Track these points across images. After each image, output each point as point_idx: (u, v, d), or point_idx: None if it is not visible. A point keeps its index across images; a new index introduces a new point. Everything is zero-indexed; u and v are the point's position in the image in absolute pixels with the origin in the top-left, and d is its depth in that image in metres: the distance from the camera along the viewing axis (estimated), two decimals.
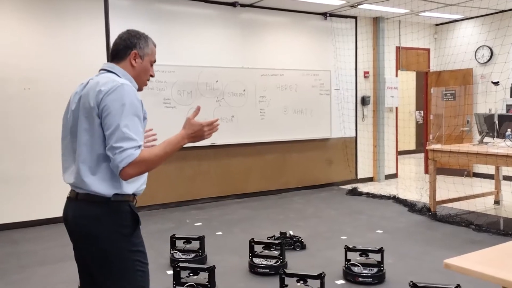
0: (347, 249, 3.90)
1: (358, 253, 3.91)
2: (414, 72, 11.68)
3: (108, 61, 2.05)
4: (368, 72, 8.40)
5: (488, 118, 6.03)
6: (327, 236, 5.09)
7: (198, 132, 1.98)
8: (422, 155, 10.55)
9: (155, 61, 2.09)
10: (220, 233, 5.29)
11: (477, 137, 7.90)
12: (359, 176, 8.40)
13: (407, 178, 8.95)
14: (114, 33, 6.10)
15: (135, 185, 1.95)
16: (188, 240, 4.30)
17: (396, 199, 6.79)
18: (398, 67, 8.84)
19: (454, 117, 8.59)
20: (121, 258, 1.86)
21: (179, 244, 4.31)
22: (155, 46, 2.09)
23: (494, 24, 8.13)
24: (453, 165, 7.81)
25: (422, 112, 13.04)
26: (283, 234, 4.74)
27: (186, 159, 6.73)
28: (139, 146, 1.80)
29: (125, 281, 1.87)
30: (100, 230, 1.83)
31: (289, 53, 7.58)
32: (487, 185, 6.86)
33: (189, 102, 6.66)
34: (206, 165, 6.93)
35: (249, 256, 4.06)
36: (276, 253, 4.10)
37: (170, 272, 3.86)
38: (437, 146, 5.72)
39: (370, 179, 8.53)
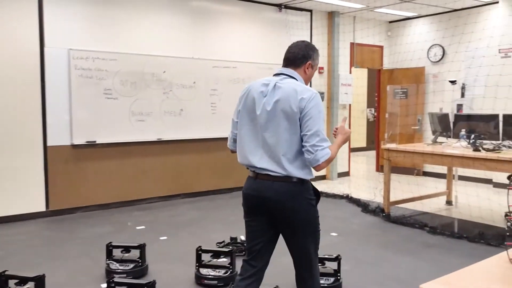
0: None
1: None
2: (366, 69, 11.68)
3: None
4: (322, 68, 8.19)
5: (441, 118, 5.96)
6: (280, 239, 4.78)
7: (349, 136, 2.42)
8: (373, 152, 10.55)
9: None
10: (165, 237, 4.86)
11: (428, 136, 7.93)
12: (313, 174, 8.18)
13: (359, 176, 8.86)
14: (48, 16, 5.49)
15: (311, 174, 2.38)
16: (126, 249, 3.85)
17: (349, 199, 6.62)
18: (352, 63, 8.70)
19: (406, 116, 8.58)
20: (312, 223, 2.40)
21: (117, 252, 3.85)
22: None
23: (446, 23, 8.15)
24: (402, 163, 7.78)
25: (373, 110, 13.14)
26: (233, 239, 4.39)
27: (128, 155, 6.21)
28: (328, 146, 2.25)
29: (313, 238, 2.41)
30: (298, 202, 2.33)
31: (242, 45, 7.22)
32: (438, 185, 6.84)
33: (133, 93, 6.14)
34: (151, 162, 6.44)
35: (196, 266, 3.67)
36: (226, 260, 3.75)
37: (105, 286, 3.41)
38: (392, 146, 5.56)
39: (323, 177, 8.35)
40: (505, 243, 1.86)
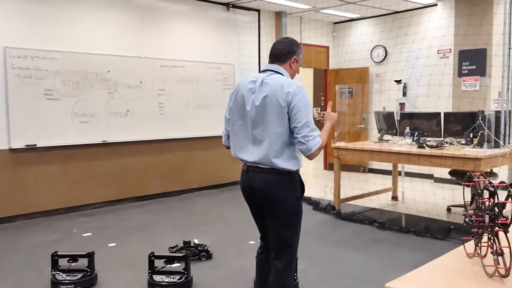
0: None
1: None
2: (312, 69, 11.86)
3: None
4: None
5: (387, 116, 6.15)
6: (235, 241, 4.74)
7: (335, 120, 2.57)
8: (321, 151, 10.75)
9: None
10: (114, 244, 4.65)
11: (374, 134, 8.17)
12: (300, 165, 8.17)
13: (308, 174, 8.98)
14: None
15: (298, 165, 2.51)
16: (73, 258, 3.63)
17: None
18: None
19: (352, 115, 8.79)
20: (296, 214, 2.56)
21: (63, 262, 3.63)
22: None
23: (388, 25, 8.44)
24: (351, 161, 7.96)
25: (319, 109, 13.39)
26: (187, 243, 4.28)
27: (72, 159, 5.91)
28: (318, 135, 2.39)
29: (294, 228, 2.57)
30: (283, 193, 2.48)
31: (190, 44, 7.09)
32: (383, 181, 7.05)
33: (76, 94, 5.85)
34: (96, 165, 6.16)
35: (149, 273, 3.54)
36: (180, 266, 3.64)
37: None
38: (342, 144, 5.66)
39: None
40: (462, 238, 1.91)
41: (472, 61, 7.34)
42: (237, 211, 6.03)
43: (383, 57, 8.67)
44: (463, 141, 5.16)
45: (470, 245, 1.87)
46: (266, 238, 2.74)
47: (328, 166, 9.39)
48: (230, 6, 7.51)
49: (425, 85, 7.69)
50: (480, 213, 1.70)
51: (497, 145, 4.82)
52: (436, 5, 7.73)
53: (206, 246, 4.28)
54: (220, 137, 2.80)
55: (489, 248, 1.67)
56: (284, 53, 2.53)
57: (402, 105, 8.45)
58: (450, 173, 5.70)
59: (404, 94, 8.38)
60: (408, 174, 7.46)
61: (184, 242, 4.30)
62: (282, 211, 2.52)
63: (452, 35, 7.49)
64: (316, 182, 7.99)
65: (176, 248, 4.25)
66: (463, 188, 1.90)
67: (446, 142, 5.07)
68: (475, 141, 4.98)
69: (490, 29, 7.06)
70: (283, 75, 2.49)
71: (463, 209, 5.65)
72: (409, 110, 8.03)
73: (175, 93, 6.80)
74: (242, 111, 2.51)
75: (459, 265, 1.75)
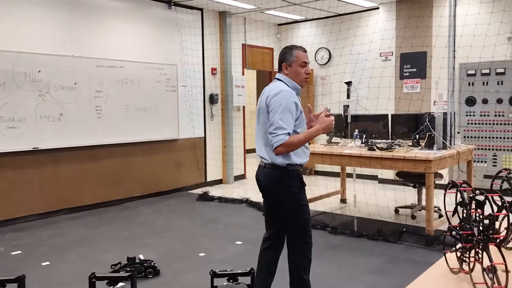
0: (213, 275, 3.30)
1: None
2: (255, 71, 11.72)
3: None
4: (215, 69, 7.95)
5: (335, 118, 6.09)
6: (183, 254, 4.43)
7: (328, 126, 2.71)
8: None
9: (306, 62, 2.83)
10: (48, 263, 4.18)
11: (320, 137, 8.14)
12: (208, 179, 7.91)
13: (254, 179, 8.78)
14: None
15: (300, 159, 2.77)
16: (1, 283, 3.17)
17: (249, 203, 6.47)
18: (244, 65, 8.61)
19: None
20: (293, 206, 2.78)
21: None
22: (303, 51, 2.83)
23: (332, 27, 8.46)
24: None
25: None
26: (131, 259, 3.91)
27: None
28: (288, 133, 2.62)
29: (297, 220, 2.79)
30: (279, 186, 2.79)
31: (130, 43, 6.66)
32: (329, 183, 6.92)
33: (2, 96, 5.27)
34: (26, 174, 5.59)
35: None
36: (125, 286, 3.29)
37: None
38: None
39: (220, 181, 8.11)
40: (444, 251, 1.77)
41: (413, 64, 7.51)
42: (184, 220, 5.71)
43: (327, 60, 8.68)
44: (410, 143, 5.19)
45: (450, 257, 1.74)
46: (272, 229, 3.03)
47: None
48: (172, 4, 7.17)
49: (368, 87, 7.77)
50: (467, 226, 1.57)
51: (444, 147, 4.88)
52: (378, 8, 7.84)
53: (152, 261, 3.94)
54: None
55: (476, 264, 1.55)
56: (279, 62, 2.89)
57: (346, 107, 8.50)
58: (397, 174, 5.74)
59: (348, 96, 8.43)
60: (350, 176, 7.46)
61: (128, 259, 3.93)
62: (278, 203, 2.85)
63: (393, 38, 7.62)
64: None
65: (119, 265, 3.88)
66: (444, 195, 1.76)
67: (396, 144, 5.07)
68: (422, 142, 5.03)
69: (429, 32, 7.25)
70: (282, 81, 2.82)
71: (410, 210, 5.71)
72: (353, 112, 8.08)
73: (113, 95, 6.35)
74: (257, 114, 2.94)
75: (445, 283, 1.60)
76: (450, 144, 5.00)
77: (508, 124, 6.57)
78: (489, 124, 6.73)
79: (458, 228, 1.61)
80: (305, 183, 2.84)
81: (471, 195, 1.56)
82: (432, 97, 7.33)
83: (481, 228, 1.52)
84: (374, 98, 7.46)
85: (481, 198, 1.52)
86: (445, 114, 4.99)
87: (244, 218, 5.80)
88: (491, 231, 1.50)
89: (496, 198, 1.53)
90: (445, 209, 1.78)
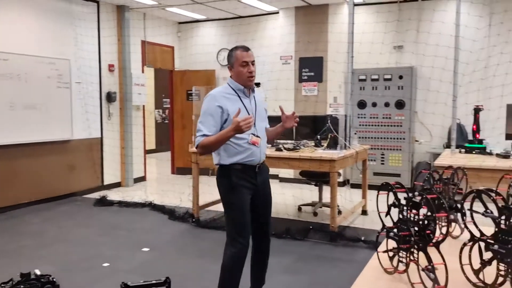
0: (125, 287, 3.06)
1: None
2: (153, 69, 11.36)
3: None
4: (113, 66, 7.50)
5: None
6: (85, 266, 4.08)
7: (236, 127, 2.65)
8: (165, 154, 10.34)
9: (247, 61, 2.84)
10: None
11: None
12: (105, 182, 7.43)
13: (155, 180, 8.49)
14: None
15: (227, 160, 2.87)
16: None
17: (152, 206, 6.20)
18: (144, 62, 8.26)
19: (195, 117, 8.58)
20: (224, 200, 2.96)
21: None
22: (244, 51, 2.86)
23: (234, 28, 8.50)
24: (210, 166, 7.73)
25: (161, 111, 12.91)
26: (25, 275, 3.48)
27: None
28: (203, 135, 2.79)
29: (227, 213, 2.95)
30: (217, 185, 2.97)
31: (15, 34, 5.98)
32: None
33: None
34: None
35: None
36: None
37: None
38: None
39: (118, 185, 7.67)
40: (377, 251, 1.83)
41: (311, 68, 7.85)
42: (81, 227, 5.28)
43: None
44: (312, 143, 5.40)
45: (383, 257, 1.80)
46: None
47: (176, 170, 9.04)
48: None
49: (268, 90, 7.93)
50: (404, 227, 1.63)
51: (344, 147, 5.15)
52: (278, 13, 8.05)
53: (50, 276, 3.55)
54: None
55: (411, 264, 1.62)
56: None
57: None
58: (301, 173, 5.93)
59: None
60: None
61: (22, 275, 3.48)
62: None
63: (293, 42, 7.89)
64: (165, 188, 7.54)
65: (11, 283, 3.43)
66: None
67: (302, 145, 5.23)
68: (324, 143, 5.26)
69: (325, 37, 7.62)
70: (228, 83, 2.94)
71: (312, 207, 5.95)
72: None
73: None
74: None
75: (384, 284, 1.65)
76: (349, 144, 5.30)
77: (395, 125, 7.17)
78: (378, 125, 7.29)
79: (394, 229, 1.67)
80: (238, 183, 2.83)
81: (408, 196, 1.62)
82: (328, 100, 7.73)
83: (416, 228, 1.59)
84: (273, 100, 7.63)
85: (418, 199, 1.59)
86: (346, 116, 5.27)
87: (149, 222, 5.55)
88: (427, 232, 1.57)
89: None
90: (378, 210, 1.84)
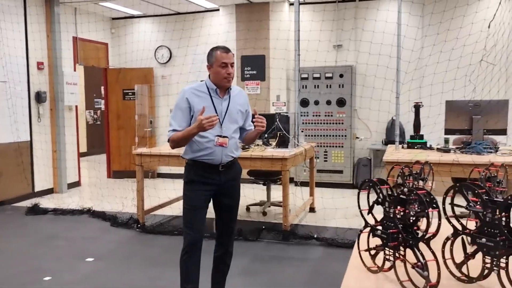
0: None
1: None
2: (82, 67, 10.78)
3: None
4: (42, 63, 6.97)
5: None
6: (24, 280, 3.72)
7: (199, 124, 2.69)
8: (100, 157, 9.83)
9: (226, 63, 2.85)
10: None
11: (162, 140, 7.85)
12: (37, 189, 6.88)
13: (91, 185, 8.01)
14: None
15: (188, 155, 2.93)
16: None
17: (92, 213, 5.83)
18: (76, 60, 7.77)
19: (139, 118, 8.23)
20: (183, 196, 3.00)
21: None
22: (224, 52, 2.87)
23: (172, 25, 8.22)
24: (154, 168, 7.46)
25: (92, 111, 12.26)
26: None
27: None
28: (173, 130, 2.85)
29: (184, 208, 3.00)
30: None
31: None
32: (175, 186, 6.62)
33: None
34: None
35: None
36: None
37: None
38: (145, 150, 5.15)
39: (51, 191, 7.14)
40: (359, 250, 1.78)
41: (253, 66, 7.80)
42: (14, 238, 4.84)
43: (168, 58, 8.42)
44: (261, 142, 5.34)
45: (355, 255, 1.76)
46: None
47: (113, 174, 8.61)
48: None
49: None
50: (391, 224, 1.59)
51: (294, 145, 5.14)
52: (218, 10, 7.91)
53: None
54: None
55: (398, 262, 1.59)
56: None
57: None
58: (248, 173, 5.85)
59: None
60: None
61: None
62: None
63: (234, 40, 7.79)
64: (104, 193, 7.07)
65: None
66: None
67: (250, 144, 5.14)
68: (272, 141, 5.22)
69: (267, 35, 7.61)
70: (204, 81, 2.95)
71: (260, 207, 5.89)
72: None
73: None
74: None
75: (374, 283, 1.60)
76: (298, 142, 5.30)
77: (336, 123, 7.32)
78: (320, 123, 7.40)
79: (380, 226, 1.63)
80: (194, 179, 2.88)
81: (396, 193, 1.58)
82: (271, 98, 7.72)
83: (402, 225, 1.55)
84: None
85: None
86: (295, 114, 5.26)
87: (89, 230, 5.20)
88: (415, 228, 1.54)
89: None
90: (359, 208, 1.79)
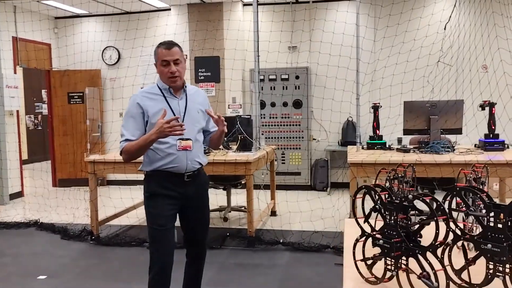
0: None
1: None
2: (21, 69, 10.12)
3: None
4: None
5: None
6: None
7: (160, 129, 2.44)
8: (39, 165, 9.26)
9: (168, 60, 2.58)
10: None
11: (114, 146, 7.46)
12: (144, 168, 6.26)
13: (35, 195, 7.46)
14: None
15: (148, 167, 2.64)
16: None
17: (39, 226, 5.42)
18: (16, 62, 7.24)
19: (84, 123, 7.80)
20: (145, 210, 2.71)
21: None
22: (165, 48, 2.60)
23: (121, 25, 7.86)
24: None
25: (33, 116, 11.54)
26: None
27: None
28: (126, 140, 2.57)
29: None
30: None
31: None
32: (123, 193, 6.28)
33: None
34: None
35: None
36: None
37: None
38: (98, 157, 4.84)
39: None
40: (355, 260, 1.68)
41: (207, 68, 7.62)
42: None
43: (116, 60, 8.05)
44: (221, 146, 5.18)
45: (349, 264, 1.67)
46: None
47: (59, 182, 8.10)
48: None
49: None
50: (394, 233, 1.51)
51: (255, 148, 5.02)
52: (169, 9, 7.66)
53: None
54: None
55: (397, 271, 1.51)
56: None
57: None
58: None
59: None
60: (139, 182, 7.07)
61: None
62: None
63: (187, 41, 7.57)
64: (51, 204, 6.61)
65: None
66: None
67: (210, 148, 4.97)
68: (233, 145, 5.08)
69: (222, 35, 7.45)
70: (155, 82, 2.73)
71: (220, 212, 5.73)
72: None
73: None
74: None
75: None
76: (259, 145, 5.19)
77: (293, 125, 7.30)
78: (278, 125, 7.35)
79: (381, 235, 1.54)
80: (156, 192, 2.61)
81: (399, 199, 1.50)
82: (227, 100, 7.58)
83: (404, 233, 1.48)
84: None
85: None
86: (256, 116, 5.14)
87: (38, 245, 4.81)
88: (417, 236, 1.47)
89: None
90: (355, 215, 1.70)
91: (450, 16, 5.34)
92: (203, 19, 7.47)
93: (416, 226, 1.47)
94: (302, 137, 7.28)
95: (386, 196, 1.58)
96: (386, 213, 1.53)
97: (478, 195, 1.50)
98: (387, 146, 4.95)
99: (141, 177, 2.77)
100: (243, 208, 5.64)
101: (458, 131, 4.73)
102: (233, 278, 3.81)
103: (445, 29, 5.49)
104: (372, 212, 1.62)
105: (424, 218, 1.43)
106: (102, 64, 8.06)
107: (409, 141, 5.38)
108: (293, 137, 7.32)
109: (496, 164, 3.95)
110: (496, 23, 5.66)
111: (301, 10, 7.27)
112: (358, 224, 1.68)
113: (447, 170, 3.99)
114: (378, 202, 1.57)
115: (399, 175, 2.07)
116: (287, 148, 7.35)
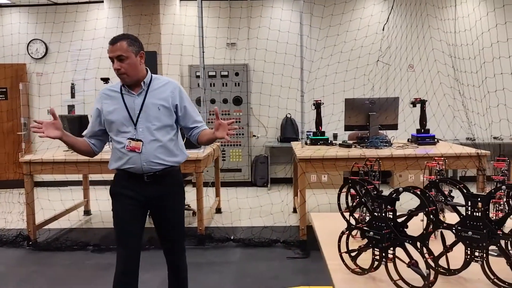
0: None
1: None
2: None
3: None
4: None
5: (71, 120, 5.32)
6: None
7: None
8: None
9: (112, 57, 2.51)
10: None
11: (43, 147, 6.97)
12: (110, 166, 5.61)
13: None
14: None
15: (111, 166, 2.63)
16: None
17: None
18: None
19: (9, 121, 7.25)
20: None
21: None
22: (110, 44, 2.53)
23: (48, 16, 7.37)
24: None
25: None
26: None
27: None
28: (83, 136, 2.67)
29: None
30: None
31: None
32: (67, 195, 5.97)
33: None
34: None
35: None
36: None
37: None
38: (36, 157, 4.52)
39: None
40: (340, 252, 1.75)
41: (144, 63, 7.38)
42: None
43: (43, 54, 7.55)
44: None
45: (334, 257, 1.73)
46: None
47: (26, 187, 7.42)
48: None
49: (95, 90, 7.15)
50: (382, 224, 1.58)
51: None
52: (102, 2, 7.32)
53: None
54: None
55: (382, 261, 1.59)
56: None
57: (71, 107, 7.65)
58: None
59: (73, 95, 7.62)
60: (95, 183, 6.73)
61: None
62: None
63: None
64: None
65: None
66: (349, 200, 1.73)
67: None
68: None
69: (158, 30, 7.26)
70: None
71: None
72: (79, 112, 7.35)
73: None
74: None
75: (364, 286, 1.57)
76: None
77: (234, 122, 7.29)
78: None
79: (362, 226, 1.61)
80: (117, 191, 2.58)
81: (391, 191, 1.57)
82: None
83: (391, 224, 1.56)
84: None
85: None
86: (205, 113, 5.09)
87: None
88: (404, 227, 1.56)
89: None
90: (340, 209, 1.76)
91: (388, 18, 5.65)
92: (138, 12, 7.22)
93: (403, 218, 1.57)
94: (242, 134, 7.32)
95: (370, 189, 1.66)
96: (375, 205, 1.60)
97: (457, 186, 1.62)
98: (329, 141, 5.14)
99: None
100: (187, 206, 5.57)
101: (394, 126, 5.03)
102: (188, 277, 3.75)
103: (383, 30, 5.80)
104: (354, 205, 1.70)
105: (413, 210, 1.53)
106: (27, 57, 7.52)
107: (348, 137, 5.64)
108: (234, 134, 7.31)
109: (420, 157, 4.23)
110: (431, 25, 6.10)
111: (237, 8, 7.27)
112: (344, 217, 1.75)
113: (388, 164, 4.25)
114: (366, 195, 1.65)
115: (370, 169, 2.17)
116: (228, 145, 7.35)
